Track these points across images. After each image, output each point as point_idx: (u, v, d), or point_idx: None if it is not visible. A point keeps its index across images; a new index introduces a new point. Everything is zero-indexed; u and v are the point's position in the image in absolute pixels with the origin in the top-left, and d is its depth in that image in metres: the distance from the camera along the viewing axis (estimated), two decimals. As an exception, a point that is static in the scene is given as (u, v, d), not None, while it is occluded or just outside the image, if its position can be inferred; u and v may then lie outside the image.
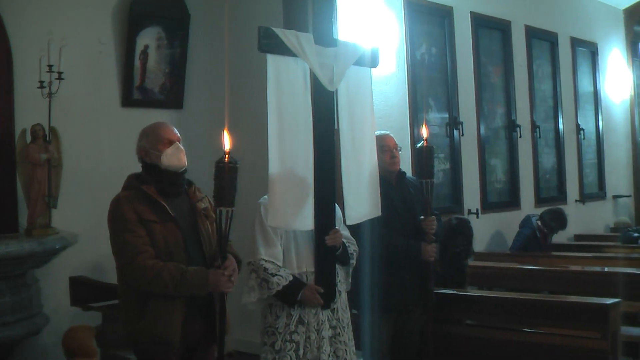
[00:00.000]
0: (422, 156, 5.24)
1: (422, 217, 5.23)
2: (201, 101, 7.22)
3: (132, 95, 6.74)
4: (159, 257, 3.91)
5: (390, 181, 5.28)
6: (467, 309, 5.84)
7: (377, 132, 5.19)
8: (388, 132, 5.44)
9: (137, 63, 6.73)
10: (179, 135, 4.14)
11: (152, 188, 4.02)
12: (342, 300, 4.76)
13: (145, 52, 6.78)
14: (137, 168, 4.19)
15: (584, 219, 10.46)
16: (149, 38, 6.80)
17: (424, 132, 5.25)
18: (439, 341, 5.45)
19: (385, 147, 5.26)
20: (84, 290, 5.88)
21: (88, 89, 6.54)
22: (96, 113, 6.57)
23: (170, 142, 4.07)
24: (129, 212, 3.92)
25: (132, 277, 3.92)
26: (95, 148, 6.55)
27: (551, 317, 5.32)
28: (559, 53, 10.40)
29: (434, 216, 5.26)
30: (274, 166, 4.45)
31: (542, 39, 10.10)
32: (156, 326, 3.90)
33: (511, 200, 9.31)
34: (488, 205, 8.81)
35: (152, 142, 4.08)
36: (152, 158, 4.06)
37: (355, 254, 4.87)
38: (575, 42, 10.80)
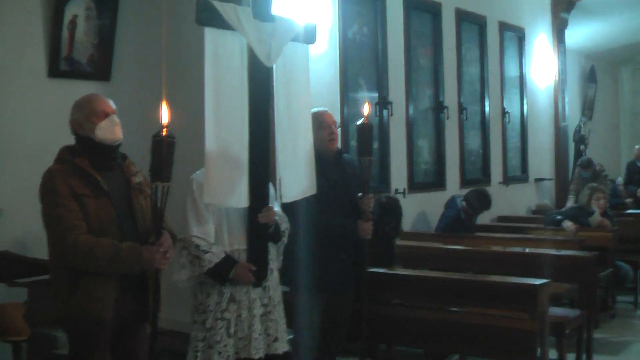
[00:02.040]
0: (363, 134, 5.21)
1: (359, 194, 5.22)
2: (131, 73, 7.07)
3: (59, 66, 6.56)
4: (92, 232, 3.81)
5: (327, 159, 5.24)
6: (396, 289, 5.87)
7: (315, 109, 5.15)
8: (326, 109, 5.39)
9: (65, 33, 6.54)
10: (114, 107, 4.04)
11: (86, 161, 3.91)
12: (273, 278, 4.73)
13: (73, 23, 6.58)
14: (65, 140, 4.07)
15: (507, 201, 10.63)
16: (77, 8, 6.61)
17: (366, 109, 5.22)
18: (366, 320, 5.47)
19: (324, 124, 5.22)
20: (8, 266, 5.72)
21: (12, 59, 6.34)
22: (21, 84, 6.38)
23: (105, 115, 3.97)
24: (61, 186, 3.80)
25: (64, 253, 3.81)
26: (20, 120, 6.37)
27: (480, 297, 5.38)
28: (487, 37, 10.52)
29: (371, 194, 5.26)
30: (211, 142, 4.39)
31: (471, 23, 10.18)
32: (88, 304, 3.81)
33: (437, 181, 9.41)
34: (414, 186, 8.88)
35: (86, 114, 3.96)
36: (86, 131, 3.95)
37: (287, 231, 4.84)
38: (503, 27, 10.93)
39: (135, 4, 7.17)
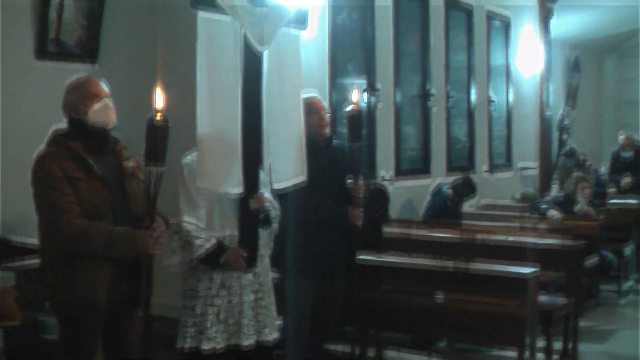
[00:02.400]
0: (353, 120, 5.19)
1: (349, 181, 5.21)
2: (120, 56, 7.02)
3: (47, 47, 6.51)
4: (85, 216, 3.78)
5: (318, 144, 5.23)
6: (385, 275, 5.88)
7: (305, 95, 5.13)
8: (316, 95, 5.38)
9: (53, 15, 6.49)
10: (107, 91, 4.00)
11: (79, 144, 3.88)
12: (264, 264, 4.71)
13: (61, 4, 6.53)
14: (55, 123, 4.03)
15: (491, 188, 10.66)
16: (65, -11, 6.56)
17: (355, 95, 5.20)
18: (356, 306, 5.49)
19: (314, 110, 5.21)
20: (-6, 249, 5.68)
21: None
22: (9, 65, 6.32)
23: (99, 98, 3.93)
24: (55, 169, 3.77)
25: (57, 237, 3.78)
26: (7, 101, 6.30)
27: (471, 285, 5.40)
28: (475, 25, 10.52)
29: (362, 181, 5.26)
30: (203, 127, 4.36)
31: (459, 10, 10.18)
32: (81, 288, 3.79)
33: (423, 168, 9.42)
34: (401, 173, 8.90)
35: (79, 97, 3.91)
36: (79, 114, 3.90)
37: (277, 217, 4.82)
38: (490, 15, 10.94)
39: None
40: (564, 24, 13.27)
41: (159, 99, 3.73)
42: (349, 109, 5.19)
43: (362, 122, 5.30)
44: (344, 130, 6.37)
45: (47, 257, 3.92)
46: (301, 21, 5.04)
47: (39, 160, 3.85)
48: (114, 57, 7.00)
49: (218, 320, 4.46)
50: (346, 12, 8.04)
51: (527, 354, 5.24)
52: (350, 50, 8.12)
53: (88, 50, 6.82)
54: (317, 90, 5.65)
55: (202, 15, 4.38)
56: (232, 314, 4.50)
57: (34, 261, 4.73)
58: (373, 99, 8.37)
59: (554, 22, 12.62)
